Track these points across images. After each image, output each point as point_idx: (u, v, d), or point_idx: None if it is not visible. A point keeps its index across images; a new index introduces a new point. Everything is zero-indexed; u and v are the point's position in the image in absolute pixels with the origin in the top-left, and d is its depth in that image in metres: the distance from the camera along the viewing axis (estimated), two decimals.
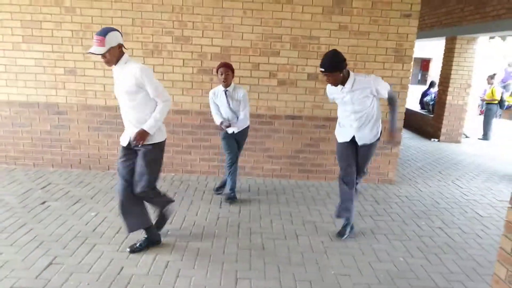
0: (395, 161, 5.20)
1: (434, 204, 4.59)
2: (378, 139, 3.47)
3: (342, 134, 3.47)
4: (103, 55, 2.73)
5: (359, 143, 3.39)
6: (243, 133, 4.20)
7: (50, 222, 3.58)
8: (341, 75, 3.14)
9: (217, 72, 3.94)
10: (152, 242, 3.22)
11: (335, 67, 3.08)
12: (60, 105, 4.95)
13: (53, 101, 4.93)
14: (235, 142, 4.17)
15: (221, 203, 4.24)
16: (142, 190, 2.98)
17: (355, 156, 3.46)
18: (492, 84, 9.22)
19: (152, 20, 4.69)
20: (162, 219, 3.38)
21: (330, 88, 3.43)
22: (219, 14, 4.68)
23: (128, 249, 3.14)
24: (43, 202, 4.02)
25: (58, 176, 4.86)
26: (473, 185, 5.42)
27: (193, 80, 4.89)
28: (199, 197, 4.39)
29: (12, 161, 5.11)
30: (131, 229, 3.11)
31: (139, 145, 2.91)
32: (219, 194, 4.46)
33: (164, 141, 3.09)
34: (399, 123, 5.01)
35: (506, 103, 9.23)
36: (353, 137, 3.39)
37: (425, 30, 9.47)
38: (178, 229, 3.58)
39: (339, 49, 4.78)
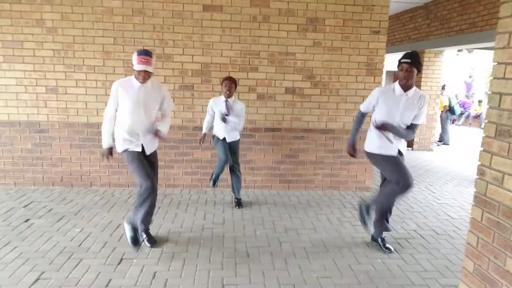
0: (371, 169, 5.43)
1: (409, 208, 4.82)
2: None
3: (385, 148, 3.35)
4: (150, 74, 3.29)
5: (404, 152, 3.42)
6: (236, 144, 4.54)
7: (35, 239, 3.59)
8: (415, 76, 3.16)
9: (221, 84, 4.32)
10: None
11: (418, 62, 3.09)
12: (42, 123, 4.97)
13: (35, 119, 4.95)
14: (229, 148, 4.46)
15: (205, 215, 4.34)
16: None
17: None
18: (442, 94, 9.99)
19: (133, 39, 4.82)
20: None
21: (382, 92, 3.29)
22: (199, 33, 4.86)
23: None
24: (27, 220, 4.02)
25: (40, 194, 4.85)
26: (445, 190, 5.71)
27: (174, 96, 5.02)
28: (183, 210, 4.47)
29: None
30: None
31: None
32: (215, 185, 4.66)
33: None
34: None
35: (456, 109, 10.20)
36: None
37: (396, 45, 9.95)
38: (164, 241, 3.65)
39: (314, 64, 5.09)
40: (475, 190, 2.34)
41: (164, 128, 3.58)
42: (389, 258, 3.44)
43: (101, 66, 4.86)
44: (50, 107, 4.94)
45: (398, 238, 3.88)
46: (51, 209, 4.36)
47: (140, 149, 3.41)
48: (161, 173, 5.16)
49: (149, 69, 3.23)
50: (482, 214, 2.28)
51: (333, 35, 4.99)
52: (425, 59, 8.58)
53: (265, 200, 4.95)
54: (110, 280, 2.94)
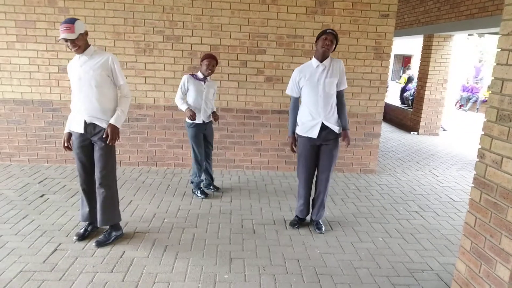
0: (375, 152, 5.52)
1: (411, 191, 4.93)
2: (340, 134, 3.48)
3: (307, 128, 3.38)
4: (74, 42, 2.84)
5: (330, 127, 3.36)
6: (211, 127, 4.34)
7: (51, 213, 3.77)
8: (333, 47, 3.27)
9: (201, 63, 4.00)
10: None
11: (337, 39, 3.27)
12: (54, 102, 5.10)
13: (47, 98, 5.08)
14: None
15: (213, 194, 4.48)
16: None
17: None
18: (405, 72, 10.81)
19: (143, 20, 4.88)
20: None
21: (300, 71, 3.35)
22: (208, 14, 4.90)
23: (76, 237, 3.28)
24: (42, 195, 4.19)
25: (54, 171, 5.02)
26: (448, 174, 5.80)
27: None
28: (191, 189, 4.61)
29: (7, 157, 5.24)
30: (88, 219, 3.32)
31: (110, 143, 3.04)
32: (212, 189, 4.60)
33: None
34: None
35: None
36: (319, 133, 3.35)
37: (405, 28, 9.86)
38: (174, 217, 3.81)
39: None
40: (474, 173, 2.43)
41: (115, 117, 3.04)
42: (390, 237, 3.57)
43: (112, 46, 4.94)
44: (62, 87, 5.05)
45: (399, 219, 4.00)
46: (64, 185, 4.53)
47: (80, 131, 3.06)
48: (170, 152, 5.31)
49: (69, 36, 2.79)
50: (481, 195, 2.38)
51: (341, 19, 5.00)
52: (434, 43, 8.52)
53: (271, 180, 5.08)
54: (124, 252, 3.10)
